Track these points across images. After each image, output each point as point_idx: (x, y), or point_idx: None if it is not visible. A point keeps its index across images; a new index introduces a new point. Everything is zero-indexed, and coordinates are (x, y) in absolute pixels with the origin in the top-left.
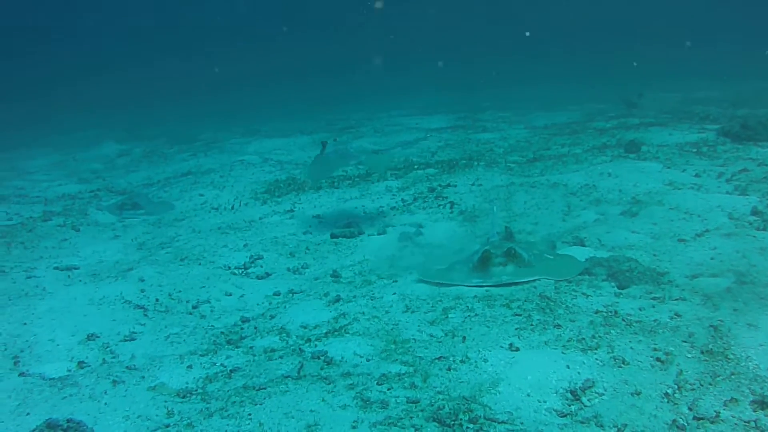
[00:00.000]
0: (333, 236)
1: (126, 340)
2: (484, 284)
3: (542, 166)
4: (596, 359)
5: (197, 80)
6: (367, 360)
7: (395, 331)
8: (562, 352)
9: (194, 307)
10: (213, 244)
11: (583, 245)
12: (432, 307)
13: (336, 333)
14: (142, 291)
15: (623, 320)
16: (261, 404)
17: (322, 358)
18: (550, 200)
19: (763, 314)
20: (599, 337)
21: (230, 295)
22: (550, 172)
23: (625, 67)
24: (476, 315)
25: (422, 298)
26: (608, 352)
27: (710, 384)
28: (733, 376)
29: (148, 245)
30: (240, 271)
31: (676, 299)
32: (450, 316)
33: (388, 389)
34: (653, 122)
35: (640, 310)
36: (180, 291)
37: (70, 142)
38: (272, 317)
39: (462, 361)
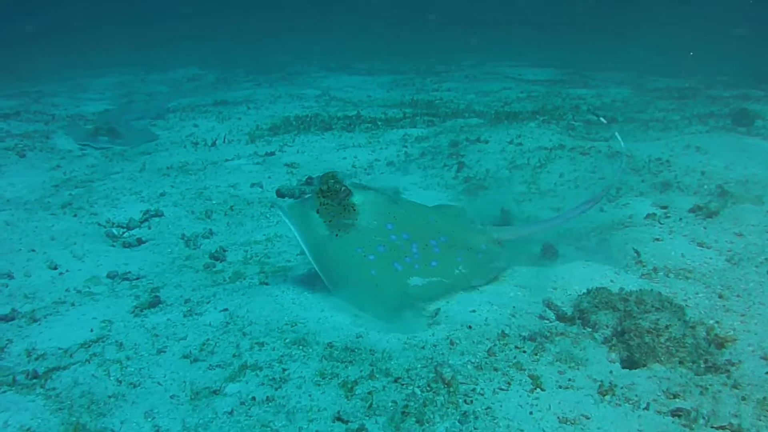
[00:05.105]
0: (278, 194)
1: None
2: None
3: (617, 129)
4: None
5: (330, 21)
6: None
7: None
8: None
9: None
10: (129, 189)
11: (608, 258)
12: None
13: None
14: None
15: None
16: None
17: None
18: (599, 176)
19: None
20: None
21: (55, 268)
22: (622, 138)
23: None
24: None
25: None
26: None
27: None
28: None
29: (72, 182)
30: (118, 230)
31: (722, 429)
32: None
33: None
34: None
35: None
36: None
37: (157, 64)
38: (34, 321)
39: None
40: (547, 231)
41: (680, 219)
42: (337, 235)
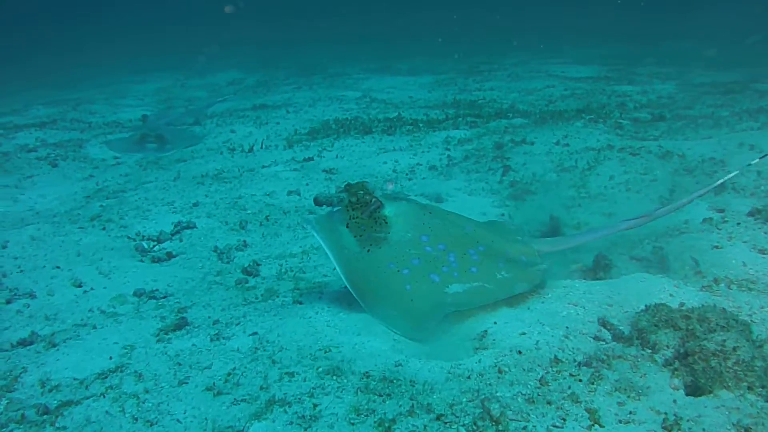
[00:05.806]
0: (316, 202)
1: None
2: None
3: (666, 127)
4: None
5: (384, 26)
6: None
7: None
8: None
9: (8, 302)
10: (161, 199)
11: (665, 269)
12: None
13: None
14: None
15: None
16: None
17: None
18: (650, 178)
19: None
20: None
21: (79, 286)
22: (672, 137)
23: None
24: None
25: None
26: None
27: None
28: None
29: (104, 192)
30: (147, 244)
31: None
32: None
33: None
34: None
35: None
36: (23, 271)
37: (199, 68)
38: (52, 345)
39: None
40: (593, 242)
41: (738, 224)
42: (368, 250)
